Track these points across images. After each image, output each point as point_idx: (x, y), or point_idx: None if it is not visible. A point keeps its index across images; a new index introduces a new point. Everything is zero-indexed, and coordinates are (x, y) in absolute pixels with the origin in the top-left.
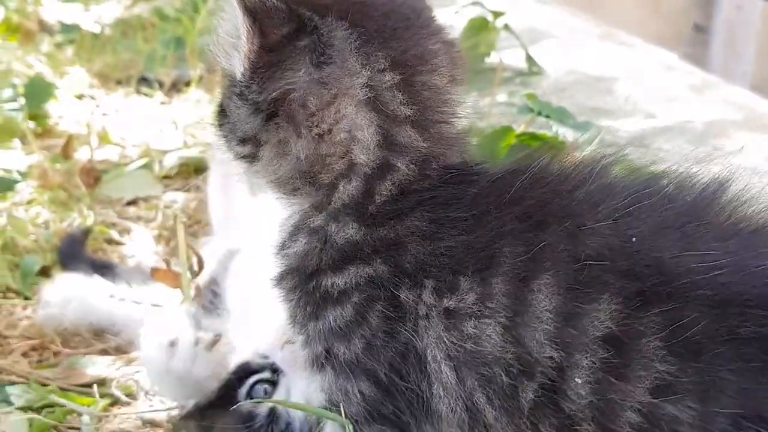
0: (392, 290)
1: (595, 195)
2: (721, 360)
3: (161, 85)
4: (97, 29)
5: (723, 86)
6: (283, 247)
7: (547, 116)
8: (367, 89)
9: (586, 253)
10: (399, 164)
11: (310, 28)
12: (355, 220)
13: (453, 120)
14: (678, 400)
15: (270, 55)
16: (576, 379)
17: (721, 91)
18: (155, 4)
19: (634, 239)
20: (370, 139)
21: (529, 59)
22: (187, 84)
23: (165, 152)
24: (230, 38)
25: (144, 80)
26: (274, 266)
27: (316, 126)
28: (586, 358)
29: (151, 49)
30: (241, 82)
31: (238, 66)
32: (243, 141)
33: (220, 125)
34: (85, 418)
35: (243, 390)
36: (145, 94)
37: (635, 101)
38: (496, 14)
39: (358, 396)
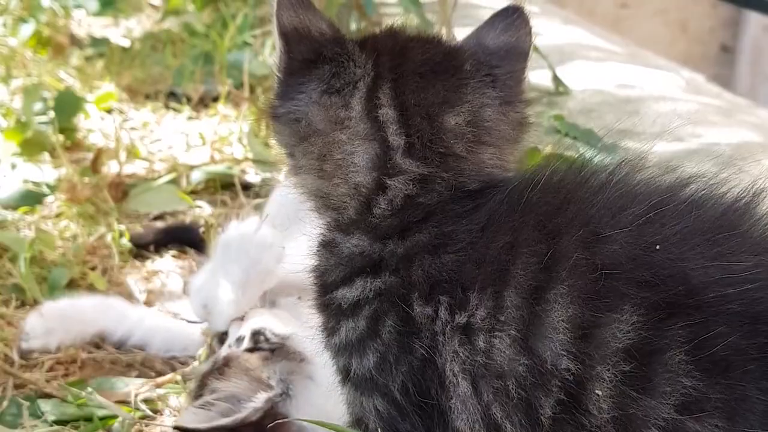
0: (403, 304)
1: (615, 201)
2: (750, 377)
3: (189, 100)
4: (126, 44)
5: (751, 109)
6: (310, 263)
7: (574, 138)
8: (364, 121)
9: (604, 263)
10: (394, 184)
11: (327, 59)
12: (362, 233)
13: (463, 150)
14: (704, 417)
15: (291, 78)
16: (597, 392)
17: (749, 114)
18: (184, 20)
19: (657, 247)
20: (363, 164)
21: (556, 79)
22: (215, 99)
23: (192, 167)
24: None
25: (172, 95)
26: (307, 284)
27: (318, 150)
28: (608, 370)
29: (179, 64)
30: (273, 98)
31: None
32: (288, 155)
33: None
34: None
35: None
36: (174, 109)
37: (662, 123)
38: None
39: (374, 412)
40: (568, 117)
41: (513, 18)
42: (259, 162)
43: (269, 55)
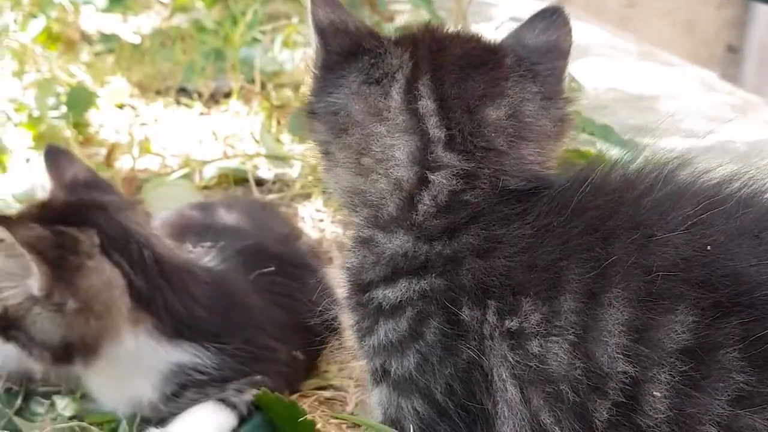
0: (451, 306)
1: (663, 202)
2: None
3: (200, 95)
4: (135, 40)
5: (764, 107)
6: (345, 262)
7: (591, 133)
8: (403, 113)
9: (658, 265)
10: (437, 179)
11: (366, 50)
12: (405, 231)
13: (504, 144)
14: (757, 411)
15: (328, 72)
16: (655, 393)
17: (763, 112)
18: (192, 16)
19: (708, 248)
20: (404, 158)
21: (569, 76)
22: (226, 95)
23: (205, 163)
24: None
25: (183, 91)
26: (341, 283)
27: (356, 143)
28: (664, 371)
29: (189, 60)
30: (309, 95)
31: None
32: (323, 153)
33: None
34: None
35: None
36: (185, 105)
37: (676, 120)
38: None
39: (412, 413)
40: (582, 114)
41: (552, 18)
42: (272, 157)
43: (279, 52)
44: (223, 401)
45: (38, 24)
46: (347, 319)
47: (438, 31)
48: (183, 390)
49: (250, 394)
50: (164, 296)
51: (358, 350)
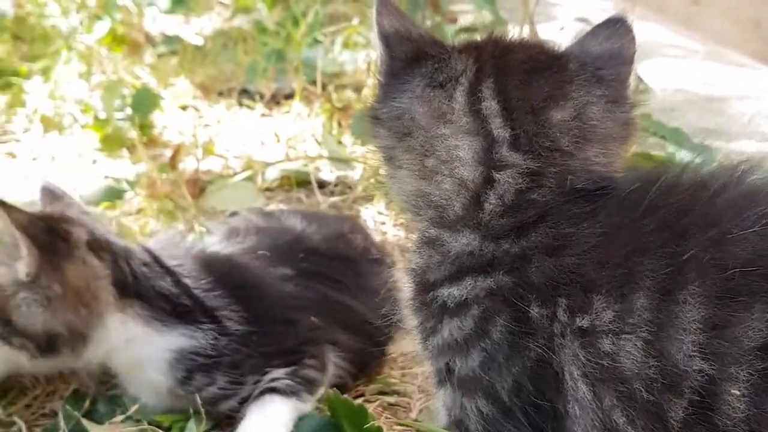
0: (519, 304)
1: (737, 201)
2: None
3: (262, 97)
4: (198, 41)
5: None
6: (409, 264)
7: (662, 137)
8: (467, 114)
9: (734, 261)
10: (502, 178)
11: (430, 56)
12: (471, 230)
13: (570, 145)
14: None
15: (393, 78)
16: (733, 391)
17: None
18: (254, 17)
19: None
20: (469, 158)
21: (636, 77)
22: (287, 97)
23: (267, 165)
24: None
25: (245, 92)
26: (405, 285)
27: (420, 145)
28: (743, 369)
29: (251, 61)
30: (373, 101)
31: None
32: (387, 159)
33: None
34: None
35: None
36: (247, 106)
37: (748, 122)
38: None
39: (476, 413)
40: (651, 116)
41: (616, 27)
42: (334, 159)
43: (340, 53)
44: (277, 390)
45: (104, 26)
46: (411, 321)
47: (502, 39)
48: (192, 374)
49: (302, 379)
50: (152, 283)
51: (422, 351)
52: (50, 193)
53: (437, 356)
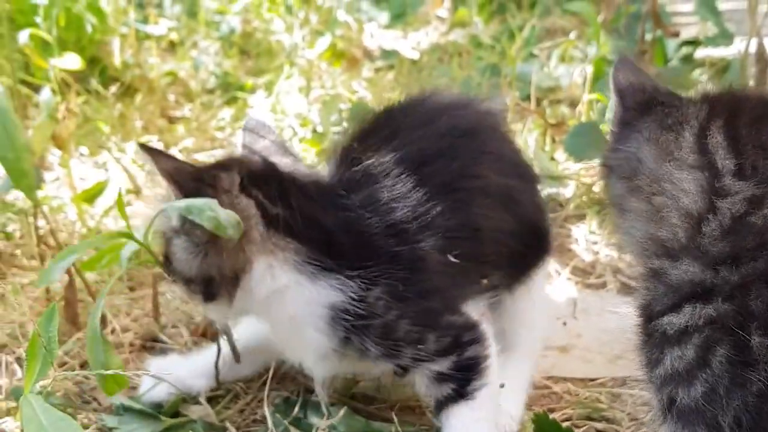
0: (739, 332)
1: None
2: None
3: None
4: (414, 55)
5: None
6: (636, 301)
7: None
8: (694, 151)
9: None
10: (724, 206)
11: (661, 103)
12: (692, 259)
13: None
14: None
15: (624, 127)
16: None
17: None
18: (470, 31)
19: None
20: (694, 189)
21: None
22: None
23: None
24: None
25: None
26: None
27: (647, 185)
28: None
29: (466, 75)
30: (606, 150)
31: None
32: (618, 210)
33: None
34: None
35: None
36: None
37: None
38: None
39: None
40: None
41: None
42: (546, 176)
43: (555, 67)
44: (461, 396)
45: (324, 41)
46: (639, 357)
47: (736, 90)
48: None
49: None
50: (304, 222)
51: (647, 384)
52: (251, 131)
53: (661, 388)
